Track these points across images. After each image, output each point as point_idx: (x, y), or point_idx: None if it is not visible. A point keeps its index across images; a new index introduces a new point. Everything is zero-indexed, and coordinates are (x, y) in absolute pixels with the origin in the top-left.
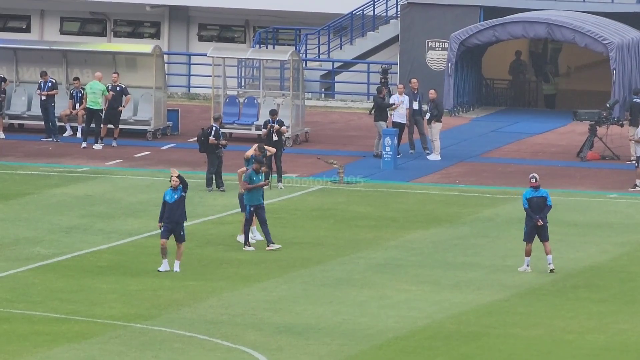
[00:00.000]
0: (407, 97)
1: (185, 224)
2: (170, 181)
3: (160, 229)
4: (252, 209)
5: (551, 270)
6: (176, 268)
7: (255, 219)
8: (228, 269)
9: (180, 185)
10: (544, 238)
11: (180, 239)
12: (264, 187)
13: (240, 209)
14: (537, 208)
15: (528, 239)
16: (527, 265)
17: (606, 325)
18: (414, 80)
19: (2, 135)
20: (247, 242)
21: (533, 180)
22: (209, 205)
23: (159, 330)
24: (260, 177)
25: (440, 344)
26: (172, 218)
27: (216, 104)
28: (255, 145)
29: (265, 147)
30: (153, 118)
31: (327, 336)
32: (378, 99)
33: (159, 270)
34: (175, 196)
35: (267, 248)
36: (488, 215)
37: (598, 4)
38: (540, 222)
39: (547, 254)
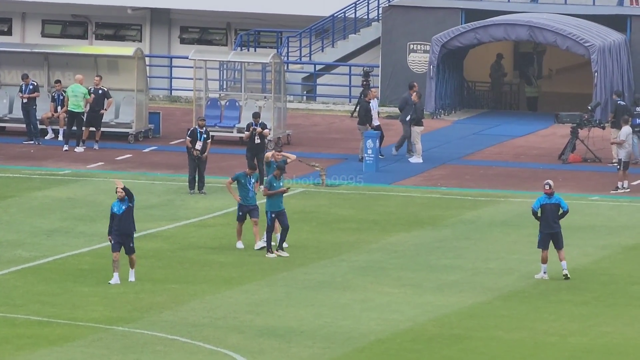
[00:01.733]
0: (376, 101)
1: (135, 234)
2: (115, 192)
3: (111, 242)
4: (273, 215)
5: (565, 276)
6: (131, 277)
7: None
8: (210, 271)
9: (127, 196)
10: (559, 246)
11: (130, 251)
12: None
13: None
14: (550, 214)
15: (543, 246)
16: (544, 272)
17: (588, 328)
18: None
19: None
20: (269, 249)
21: (547, 187)
22: (191, 208)
23: (141, 333)
24: (281, 183)
25: (422, 346)
26: (121, 230)
27: (198, 106)
28: (273, 150)
29: (284, 153)
30: (135, 121)
31: (309, 339)
32: (363, 103)
33: (109, 283)
34: (123, 207)
35: (275, 252)
36: (470, 218)
37: (579, 7)
38: None
39: (561, 260)
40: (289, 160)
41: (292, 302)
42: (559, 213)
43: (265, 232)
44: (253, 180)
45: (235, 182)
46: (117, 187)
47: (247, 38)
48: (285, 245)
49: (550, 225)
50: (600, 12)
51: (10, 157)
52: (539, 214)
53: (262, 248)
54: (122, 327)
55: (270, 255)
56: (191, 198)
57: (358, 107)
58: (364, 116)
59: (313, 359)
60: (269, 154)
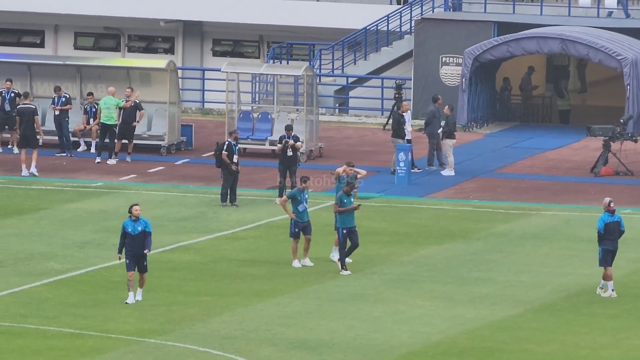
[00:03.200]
0: (409, 114)
1: (148, 253)
2: (130, 211)
3: (120, 260)
4: (344, 231)
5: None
6: (138, 297)
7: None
8: (242, 284)
9: (146, 221)
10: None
11: (143, 269)
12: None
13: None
14: (612, 232)
15: (605, 263)
16: (612, 290)
17: (620, 341)
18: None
19: (16, 150)
20: (343, 267)
21: (612, 205)
22: (222, 220)
23: (173, 345)
24: (351, 200)
25: (453, 359)
26: (135, 251)
27: (230, 119)
28: (345, 166)
29: (356, 169)
30: (167, 133)
31: (340, 351)
32: (397, 115)
33: (126, 303)
34: (139, 228)
35: (341, 273)
36: (502, 231)
37: (612, 20)
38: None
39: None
40: (359, 176)
41: (323, 314)
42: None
43: (334, 249)
44: (306, 196)
45: (290, 199)
46: (134, 206)
47: (279, 50)
48: (349, 260)
49: (613, 243)
50: (633, 25)
51: (43, 169)
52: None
53: (310, 265)
54: (154, 340)
55: (345, 272)
56: (223, 210)
57: (391, 120)
58: (397, 129)
59: None
60: (340, 170)
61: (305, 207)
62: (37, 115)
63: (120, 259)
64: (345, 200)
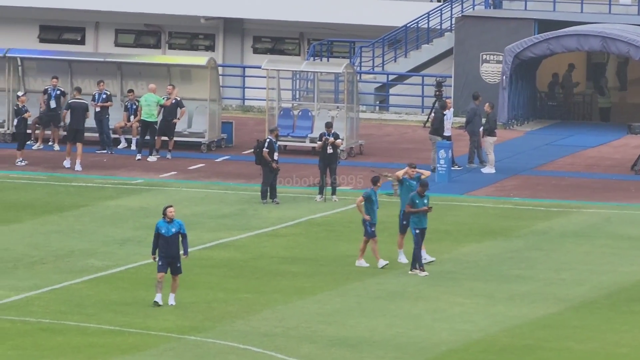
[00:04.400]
0: (450, 112)
1: (191, 249)
2: (164, 213)
3: (155, 260)
4: (417, 231)
5: None
6: (171, 301)
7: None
8: (282, 281)
9: (181, 223)
10: None
11: (176, 271)
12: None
13: (364, 234)
14: None
15: None
16: None
17: None
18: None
19: (56, 147)
20: (421, 267)
21: None
22: (263, 217)
23: (213, 342)
24: (425, 201)
25: (494, 357)
26: (169, 252)
27: (270, 116)
28: (407, 167)
29: (419, 170)
30: (207, 130)
31: (380, 349)
32: (439, 113)
33: (155, 301)
34: (173, 229)
35: (410, 272)
36: (542, 229)
37: None
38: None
39: None
40: (422, 177)
41: (364, 312)
42: None
43: (400, 252)
44: (426, 202)
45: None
46: (169, 208)
47: (320, 48)
48: (404, 260)
49: None
50: None
51: (83, 166)
52: None
53: (384, 266)
54: (194, 337)
55: (422, 273)
56: (264, 208)
57: (432, 117)
58: (438, 127)
59: None
60: (400, 172)
61: (378, 208)
62: (88, 111)
63: (154, 259)
64: (417, 201)
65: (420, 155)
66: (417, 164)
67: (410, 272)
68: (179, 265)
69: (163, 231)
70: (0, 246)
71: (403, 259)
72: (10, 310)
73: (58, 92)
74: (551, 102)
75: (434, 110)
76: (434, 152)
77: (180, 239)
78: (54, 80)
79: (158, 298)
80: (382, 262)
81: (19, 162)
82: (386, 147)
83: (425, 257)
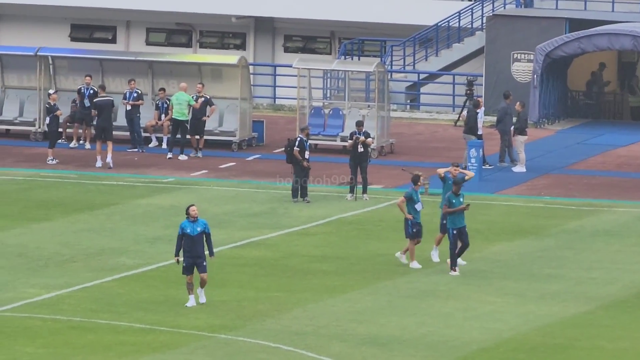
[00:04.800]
0: (482, 110)
1: (211, 257)
2: (187, 213)
3: (178, 263)
4: (454, 232)
5: None
6: (202, 299)
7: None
8: (313, 279)
9: (205, 222)
10: None
11: (202, 269)
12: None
13: (405, 235)
14: None
15: None
16: None
17: None
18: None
19: (87, 146)
20: (453, 267)
21: None
22: (294, 216)
23: (244, 341)
24: (461, 200)
25: (524, 356)
26: (193, 252)
27: (301, 115)
28: (451, 166)
29: (462, 170)
30: (238, 129)
31: (411, 348)
32: (473, 112)
33: (186, 306)
34: (198, 229)
35: (450, 273)
36: (573, 228)
37: None
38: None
39: None
40: (467, 178)
41: (394, 310)
42: None
43: (434, 248)
44: (462, 200)
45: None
46: (191, 207)
47: (351, 47)
48: (462, 262)
49: None
50: None
51: (115, 165)
52: None
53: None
54: (225, 335)
55: (453, 273)
56: (294, 206)
57: (466, 116)
58: (473, 126)
59: None
60: (441, 170)
61: (422, 206)
62: (114, 106)
63: (178, 261)
64: (454, 201)
65: (451, 154)
66: (448, 162)
67: (450, 273)
68: (204, 264)
69: (188, 230)
70: (31, 244)
71: (435, 257)
72: (41, 308)
73: (92, 90)
74: (589, 101)
75: (467, 109)
76: (467, 151)
77: (205, 238)
78: (87, 78)
79: (191, 301)
80: (415, 264)
81: (50, 161)
82: (417, 145)
83: (434, 254)
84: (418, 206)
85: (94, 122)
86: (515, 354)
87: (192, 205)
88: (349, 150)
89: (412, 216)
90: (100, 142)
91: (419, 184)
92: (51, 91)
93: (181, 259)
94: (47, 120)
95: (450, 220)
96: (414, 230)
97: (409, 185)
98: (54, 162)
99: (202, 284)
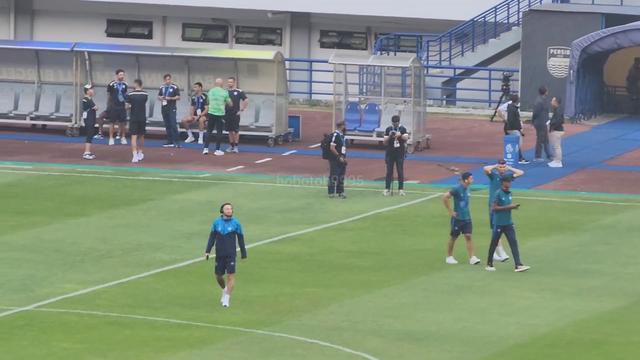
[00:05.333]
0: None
1: (241, 259)
2: (221, 211)
3: (207, 259)
4: (499, 230)
5: None
6: (225, 302)
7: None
8: (349, 275)
9: (238, 222)
10: None
11: (230, 269)
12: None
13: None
14: None
15: None
16: None
17: None
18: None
19: (124, 141)
20: (490, 262)
21: None
22: (330, 211)
23: (280, 336)
24: (509, 197)
25: (561, 351)
26: (223, 251)
27: (337, 110)
28: (497, 164)
29: (511, 167)
30: (274, 124)
31: (447, 343)
32: (512, 107)
33: (221, 301)
34: (229, 228)
35: (516, 270)
36: (610, 223)
37: None
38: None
39: None
40: (515, 175)
41: (431, 306)
42: None
43: (490, 246)
44: (468, 194)
45: (453, 196)
46: (226, 205)
47: (387, 42)
48: (523, 268)
49: None
50: None
51: (150, 160)
52: None
53: (477, 263)
54: (262, 331)
55: (489, 268)
56: (330, 202)
57: (500, 112)
58: (514, 120)
59: None
60: (488, 167)
61: (467, 204)
62: (147, 101)
63: (208, 258)
64: (503, 199)
65: (487, 150)
66: (485, 158)
67: (486, 268)
68: (232, 264)
69: (219, 229)
70: (68, 240)
71: (503, 254)
72: (78, 303)
73: (124, 86)
74: (634, 96)
75: (507, 105)
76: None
77: (237, 239)
78: (121, 73)
79: (225, 298)
80: (451, 260)
81: (87, 156)
82: (453, 141)
83: (501, 254)
84: (462, 203)
85: (128, 117)
86: (552, 349)
87: (227, 203)
88: (385, 145)
89: (455, 213)
90: (135, 136)
91: (468, 180)
92: (88, 86)
93: (212, 255)
94: (84, 115)
95: (497, 218)
96: (456, 227)
97: (447, 181)
98: (91, 157)
99: (229, 288)
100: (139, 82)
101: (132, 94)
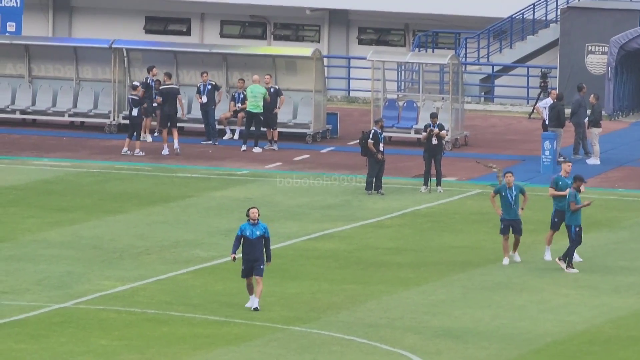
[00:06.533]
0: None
1: (265, 264)
2: (248, 215)
3: (234, 260)
4: (577, 228)
5: None
6: (255, 304)
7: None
8: (387, 272)
9: (265, 225)
10: None
11: (258, 272)
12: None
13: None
14: None
15: None
16: None
17: None
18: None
19: (149, 139)
20: (569, 264)
21: None
22: (368, 208)
23: (318, 333)
24: (579, 197)
25: (599, 348)
26: (251, 256)
27: (375, 107)
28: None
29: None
30: (312, 121)
31: (485, 340)
32: (557, 105)
33: (246, 306)
34: (257, 232)
35: (559, 262)
36: None
37: None
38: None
39: None
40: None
41: (468, 303)
42: None
43: (547, 248)
44: (515, 193)
45: (497, 194)
46: (252, 209)
47: (425, 39)
48: (574, 268)
49: None
50: None
51: (189, 157)
52: None
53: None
54: (299, 327)
55: (571, 270)
56: (369, 199)
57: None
58: (558, 118)
59: (489, 359)
60: (568, 165)
61: (512, 203)
62: (180, 94)
63: (234, 259)
64: (578, 197)
65: (526, 147)
66: (523, 155)
67: (566, 270)
68: (262, 267)
69: (248, 233)
70: (106, 237)
71: (548, 256)
72: (116, 300)
73: (151, 82)
74: None
75: (552, 104)
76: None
77: (264, 242)
78: (154, 70)
79: (251, 302)
80: (506, 260)
81: (138, 153)
82: (491, 138)
83: (546, 255)
84: (507, 203)
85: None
86: (589, 346)
87: (253, 207)
88: (423, 142)
89: (501, 212)
90: (166, 130)
91: (507, 178)
92: (136, 83)
93: (238, 256)
94: (135, 112)
95: (573, 217)
96: (502, 226)
97: (485, 178)
98: (141, 153)
99: (258, 291)
100: (169, 75)
101: (164, 88)
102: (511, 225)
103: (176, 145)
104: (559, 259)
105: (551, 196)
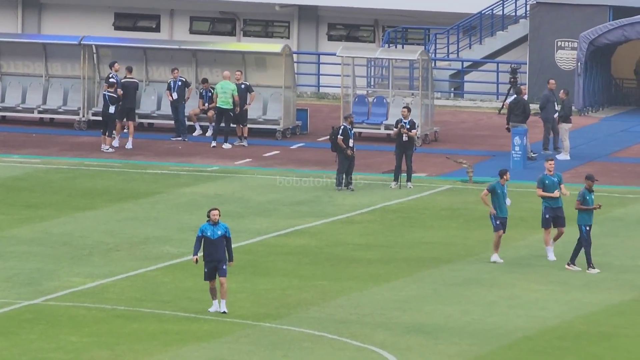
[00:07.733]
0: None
1: (227, 264)
2: (208, 216)
3: (196, 262)
4: (587, 228)
5: None
6: (223, 308)
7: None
8: (357, 268)
9: (225, 225)
10: None
11: (222, 273)
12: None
13: (494, 229)
14: None
15: None
16: None
17: None
18: (552, 81)
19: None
20: (591, 264)
21: None
22: (338, 204)
23: (288, 329)
24: (592, 196)
25: (569, 344)
26: (214, 256)
27: (345, 103)
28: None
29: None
30: (282, 117)
31: (456, 336)
32: (522, 99)
33: (209, 311)
34: (218, 232)
35: (588, 271)
36: (618, 215)
37: None
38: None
39: None
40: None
41: (439, 298)
42: None
43: (579, 247)
44: (505, 190)
45: (490, 193)
46: (213, 210)
47: (394, 35)
48: (594, 267)
49: None
50: None
51: (158, 154)
52: None
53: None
54: (270, 324)
55: (592, 271)
56: (338, 195)
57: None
58: (522, 113)
59: (460, 355)
60: (549, 163)
61: (505, 201)
62: (137, 90)
63: (196, 261)
64: (587, 197)
65: (496, 142)
66: (492, 150)
67: (587, 270)
68: (224, 267)
69: (209, 234)
70: (76, 233)
71: (551, 256)
72: (86, 297)
73: (120, 78)
74: None
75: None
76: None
77: (225, 242)
78: (116, 65)
79: (214, 306)
80: (495, 257)
81: (108, 149)
82: (461, 134)
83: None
84: (507, 201)
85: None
86: (560, 341)
87: (214, 209)
88: (394, 138)
89: (495, 210)
90: (120, 122)
91: (506, 177)
92: (113, 80)
93: (200, 257)
94: (111, 109)
95: (582, 217)
96: (497, 222)
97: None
98: (111, 150)
99: (223, 293)
100: (130, 69)
101: (125, 81)
102: (503, 224)
103: (129, 144)
104: (568, 264)
105: (540, 197)
